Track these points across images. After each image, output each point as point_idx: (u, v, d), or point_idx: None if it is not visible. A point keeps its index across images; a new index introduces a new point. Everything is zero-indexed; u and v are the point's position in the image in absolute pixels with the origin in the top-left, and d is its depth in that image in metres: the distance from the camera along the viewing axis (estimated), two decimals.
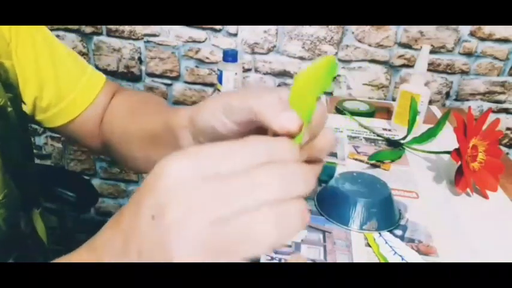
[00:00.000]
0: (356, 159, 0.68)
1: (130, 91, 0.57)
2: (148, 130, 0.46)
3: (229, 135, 0.32)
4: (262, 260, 0.45)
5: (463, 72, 1.04)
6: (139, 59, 1.13)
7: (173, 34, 1.09)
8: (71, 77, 0.51)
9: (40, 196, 0.56)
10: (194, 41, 1.09)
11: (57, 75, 0.50)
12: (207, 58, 1.10)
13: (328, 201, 0.55)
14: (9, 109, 0.45)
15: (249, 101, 0.29)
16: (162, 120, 0.43)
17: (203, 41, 1.08)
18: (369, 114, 0.88)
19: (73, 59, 0.53)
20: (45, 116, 0.51)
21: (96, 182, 1.37)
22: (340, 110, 0.89)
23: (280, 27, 1.04)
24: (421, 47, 0.76)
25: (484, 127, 0.61)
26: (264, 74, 1.10)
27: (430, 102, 0.96)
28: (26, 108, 0.50)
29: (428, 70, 0.96)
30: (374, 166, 0.67)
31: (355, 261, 0.46)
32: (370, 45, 1.03)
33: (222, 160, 0.22)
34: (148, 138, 0.46)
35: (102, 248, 0.25)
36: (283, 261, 0.46)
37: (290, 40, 1.05)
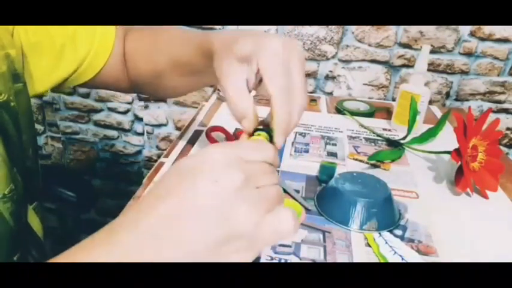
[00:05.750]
0: (356, 159, 0.68)
1: (140, 29, 0.62)
2: (180, 61, 0.53)
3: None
4: (262, 260, 0.45)
5: (463, 72, 1.04)
6: None
7: None
8: (87, 33, 0.55)
9: (40, 191, 0.56)
10: None
11: (74, 36, 0.53)
12: None
13: (328, 201, 0.55)
14: (12, 104, 0.45)
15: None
16: (193, 49, 0.50)
17: None
18: (369, 114, 0.88)
19: None
20: (73, 77, 0.55)
21: (96, 182, 1.37)
22: (340, 110, 0.89)
23: (280, 27, 1.04)
24: (421, 47, 0.76)
25: (484, 127, 0.61)
26: None
27: (430, 102, 0.96)
28: (48, 79, 0.53)
29: (428, 70, 0.96)
30: (374, 166, 0.67)
31: (355, 261, 0.46)
32: (370, 45, 1.03)
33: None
34: (181, 68, 0.54)
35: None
36: (283, 261, 0.46)
37: None
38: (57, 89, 0.56)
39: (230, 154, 0.29)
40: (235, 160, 0.29)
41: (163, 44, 0.57)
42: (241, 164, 0.29)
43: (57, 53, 0.52)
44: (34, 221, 0.54)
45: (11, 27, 0.47)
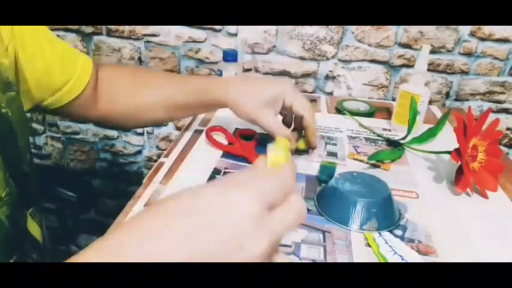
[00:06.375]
0: (356, 159, 0.68)
1: (111, 65, 0.68)
2: (173, 101, 0.63)
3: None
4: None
5: (463, 72, 1.04)
6: (139, 58, 1.13)
7: (173, 34, 1.09)
8: (71, 59, 0.59)
9: (37, 196, 0.56)
10: (194, 41, 1.09)
11: (62, 60, 0.57)
12: (207, 58, 1.10)
13: (328, 201, 0.55)
14: (4, 110, 0.46)
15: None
16: (191, 94, 0.62)
17: (203, 41, 1.08)
18: (369, 114, 0.88)
19: (66, 45, 0.60)
20: (52, 99, 0.57)
21: (96, 182, 1.37)
22: (340, 110, 0.89)
23: (280, 27, 1.04)
24: (421, 47, 0.76)
25: (484, 127, 0.61)
26: (264, 74, 1.10)
27: (430, 102, 0.96)
28: (32, 97, 0.55)
29: (428, 70, 0.96)
30: (374, 166, 0.67)
31: (355, 261, 0.46)
32: (370, 45, 1.03)
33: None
34: (172, 107, 0.63)
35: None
36: None
37: (290, 40, 1.05)
38: (34, 109, 0.57)
39: (260, 211, 0.25)
40: (265, 221, 0.26)
41: (151, 83, 0.64)
42: (269, 225, 0.26)
43: (46, 71, 0.55)
44: (32, 225, 0.54)
45: (8, 37, 0.47)
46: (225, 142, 0.69)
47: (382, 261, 0.46)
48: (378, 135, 0.78)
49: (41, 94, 0.56)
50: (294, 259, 0.46)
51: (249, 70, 1.09)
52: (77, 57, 0.60)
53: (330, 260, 0.46)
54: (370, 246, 0.49)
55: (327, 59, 1.06)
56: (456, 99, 1.07)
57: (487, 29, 0.98)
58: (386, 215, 0.52)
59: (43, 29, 0.55)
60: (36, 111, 0.60)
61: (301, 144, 0.65)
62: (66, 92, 0.58)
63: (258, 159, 0.31)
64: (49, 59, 0.55)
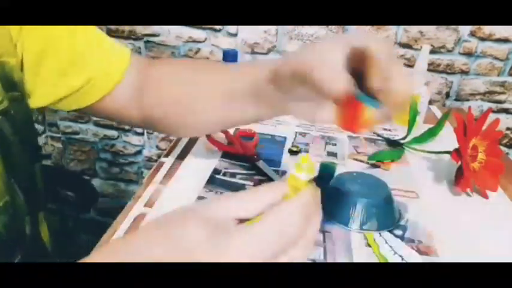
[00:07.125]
0: (356, 159, 0.68)
1: (168, 60, 0.59)
2: (226, 90, 0.50)
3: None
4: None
5: (463, 72, 1.04)
6: None
7: (173, 34, 1.09)
8: (96, 58, 0.51)
9: (45, 197, 0.56)
10: (194, 41, 1.09)
11: (79, 60, 0.50)
12: (207, 58, 1.10)
13: (328, 201, 0.55)
14: (7, 109, 0.45)
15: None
16: (241, 78, 0.48)
17: (203, 41, 1.08)
18: None
19: (99, 41, 0.54)
20: (68, 100, 0.51)
21: (96, 182, 1.37)
22: None
23: (280, 27, 1.04)
24: (421, 47, 0.76)
25: (484, 127, 0.61)
26: None
27: (430, 102, 0.95)
28: (47, 95, 0.49)
29: (428, 70, 0.96)
30: (374, 166, 0.67)
31: (355, 261, 0.46)
32: None
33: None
34: (226, 98, 0.50)
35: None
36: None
37: (290, 40, 1.05)
38: (55, 106, 0.52)
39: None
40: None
41: (208, 72, 0.53)
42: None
43: (63, 69, 0.49)
44: (43, 229, 0.53)
45: (15, 37, 0.46)
46: (225, 142, 0.69)
47: (382, 261, 0.46)
48: (378, 135, 0.78)
49: (56, 94, 0.50)
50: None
51: None
52: (107, 55, 0.53)
53: (330, 260, 0.46)
54: (370, 246, 0.49)
55: None
56: (456, 99, 1.07)
57: (487, 29, 0.98)
58: (387, 215, 0.52)
59: (59, 28, 0.48)
60: (53, 110, 0.56)
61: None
62: (84, 93, 0.51)
63: (275, 186, 0.30)
64: (64, 57, 0.49)
